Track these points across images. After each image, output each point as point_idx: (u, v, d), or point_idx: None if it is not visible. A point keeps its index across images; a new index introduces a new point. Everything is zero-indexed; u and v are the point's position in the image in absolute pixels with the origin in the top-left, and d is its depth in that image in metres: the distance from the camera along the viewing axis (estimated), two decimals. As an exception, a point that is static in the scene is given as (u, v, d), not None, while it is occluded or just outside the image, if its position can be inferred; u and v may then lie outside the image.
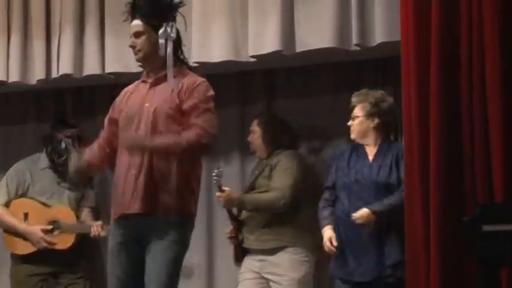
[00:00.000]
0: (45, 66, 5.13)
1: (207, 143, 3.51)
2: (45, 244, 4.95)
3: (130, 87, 3.74)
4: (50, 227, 4.99)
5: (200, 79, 3.62)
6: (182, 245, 3.55)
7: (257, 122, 4.88)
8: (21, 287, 5.04)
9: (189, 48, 4.68)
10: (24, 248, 5.03)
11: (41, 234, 4.96)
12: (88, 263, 5.13)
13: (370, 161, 4.38)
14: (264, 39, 4.58)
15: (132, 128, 3.56)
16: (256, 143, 4.87)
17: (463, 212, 3.77)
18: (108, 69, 5.02)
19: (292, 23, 4.58)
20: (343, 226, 4.32)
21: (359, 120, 4.43)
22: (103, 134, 3.77)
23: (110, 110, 3.78)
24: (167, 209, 3.49)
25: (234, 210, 4.83)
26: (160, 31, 3.51)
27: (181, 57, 3.66)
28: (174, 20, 3.60)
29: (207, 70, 4.72)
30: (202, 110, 3.52)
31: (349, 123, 4.47)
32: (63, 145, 5.06)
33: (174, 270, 3.52)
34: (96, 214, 5.15)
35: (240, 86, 5.27)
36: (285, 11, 4.56)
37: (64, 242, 4.98)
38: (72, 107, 5.62)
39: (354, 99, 4.47)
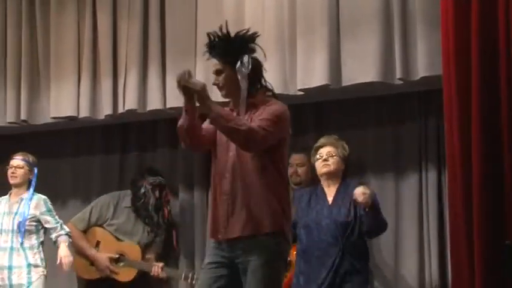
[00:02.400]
0: (112, 102, 5.15)
1: (253, 139, 3.26)
2: (108, 272, 4.96)
3: None
4: (116, 256, 5.01)
5: (280, 103, 3.46)
6: (278, 263, 3.34)
7: (306, 157, 4.80)
8: None
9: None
10: (89, 274, 5.04)
11: (107, 262, 4.98)
12: None
13: (330, 202, 4.34)
14: (312, 74, 4.51)
15: (222, 155, 3.40)
16: (307, 176, 4.80)
17: (506, 235, 3.65)
18: (169, 105, 5.00)
19: (338, 59, 4.51)
20: (303, 261, 4.28)
21: (336, 160, 4.40)
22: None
23: None
24: (260, 230, 3.31)
25: None
26: (237, 66, 3.35)
27: (264, 85, 3.49)
28: (249, 52, 3.41)
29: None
30: (265, 118, 3.32)
31: (322, 159, 4.38)
32: (142, 190, 5.10)
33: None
34: (159, 259, 5.13)
35: (290, 118, 5.16)
36: (331, 47, 4.50)
37: (126, 275, 5.00)
38: (136, 140, 5.60)
39: (325, 141, 4.44)
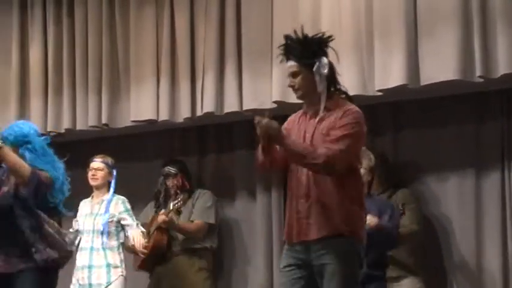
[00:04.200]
0: (190, 105, 5.14)
1: (330, 169, 3.26)
2: (140, 254, 5.00)
3: (293, 117, 3.56)
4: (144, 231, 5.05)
5: (356, 108, 3.39)
6: (354, 264, 3.32)
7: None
8: None
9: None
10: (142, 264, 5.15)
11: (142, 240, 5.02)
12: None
13: None
14: (389, 74, 4.41)
15: None
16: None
17: None
18: (245, 107, 4.97)
19: (416, 58, 4.39)
20: None
21: (362, 173, 4.19)
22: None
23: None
24: (335, 232, 3.28)
25: None
26: (314, 68, 3.33)
27: (338, 87, 3.45)
28: (325, 54, 3.38)
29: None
30: (340, 135, 3.29)
31: None
32: (159, 184, 5.20)
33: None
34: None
35: (368, 118, 5.08)
36: (409, 47, 4.37)
37: (146, 247, 5.01)
38: (214, 142, 5.62)
39: None
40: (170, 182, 5.15)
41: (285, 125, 3.52)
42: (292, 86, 3.41)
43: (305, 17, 4.73)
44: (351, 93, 4.47)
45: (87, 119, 5.46)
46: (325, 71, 3.34)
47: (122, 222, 4.93)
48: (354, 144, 3.31)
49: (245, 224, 5.42)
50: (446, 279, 4.80)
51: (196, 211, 5.13)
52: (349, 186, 3.31)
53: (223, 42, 5.08)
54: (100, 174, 4.96)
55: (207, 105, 5.07)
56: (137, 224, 4.95)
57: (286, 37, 3.41)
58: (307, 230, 3.31)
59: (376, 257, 4.23)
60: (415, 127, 4.91)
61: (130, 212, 4.98)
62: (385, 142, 4.90)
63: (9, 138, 3.91)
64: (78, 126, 5.50)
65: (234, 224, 5.46)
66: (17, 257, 3.85)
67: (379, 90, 4.50)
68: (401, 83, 4.39)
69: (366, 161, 4.36)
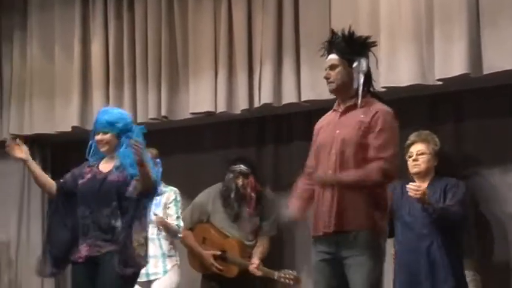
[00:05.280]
0: (248, 97, 5.10)
1: (390, 176, 3.41)
2: (214, 269, 4.98)
3: (325, 116, 3.65)
4: (219, 253, 5.00)
5: (386, 108, 3.47)
6: (376, 260, 3.38)
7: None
8: None
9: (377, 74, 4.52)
10: (201, 269, 5.11)
11: (212, 260, 4.99)
12: None
13: None
14: (450, 63, 4.27)
15: (324, 155, 3.47)
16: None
17: None
18: (303, 98, 4.90)
19: (479, 46, 4.25)
20: (400, 253, 4.25)
21: (427, 158, 4.27)
22: (309, 162, 3.62)
23: (314, 136, 3.64)
24: (359, 226, 3.38)
25: None
26: (354, 65, 3.46)
27: (371, 89, 3.55)
28: (366, 55, 3.53)
29: (395, 94, 4.51)
30: (388, 145, 3.39)
31: (412, 159, 4.29)
32: (226, 179, 5.03)
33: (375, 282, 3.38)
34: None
35: (428, 109, 4.95)
36: (471, 34, 4.24)
37: (230, 271, 4.99)
38: (272, 133, 5.54)
39: (415, 138, 4.32)
40: (240, 181, 5.00)
41: (316, 125, 3.62)
42: (327, 78, 3.51)
43: (364, 7, 4.63)
44: (410, 82, 4.43)
45: (147, 111, 5.47)
46: (365, 69, 3.46)
47: (167, 212, 4.92)
48: (396, 145, 3.42)
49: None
50: (509, 279, 4.62)
51: (266, 227, 5.08)
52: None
53: (280, 33, 5.02)
54: None
55: (264, 96, 5.02)
56: (177, 218, 4.94)
57: (332, 33, 3.54)
58: (332, 223, 3.38)
59: (442, 240, 4.15)
60: (477, 117, 4.74)
61: (179, 204, 4.99)
62: (445, 134, 4.74)
63: (118, 126, 3.85)
64: (139, 119, 5.50)
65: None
66: (102, 241, 3.80)
67: (440, 80, 4.37)
68: (463, 72, 4.25)
69: (431, 145, 4.29)
